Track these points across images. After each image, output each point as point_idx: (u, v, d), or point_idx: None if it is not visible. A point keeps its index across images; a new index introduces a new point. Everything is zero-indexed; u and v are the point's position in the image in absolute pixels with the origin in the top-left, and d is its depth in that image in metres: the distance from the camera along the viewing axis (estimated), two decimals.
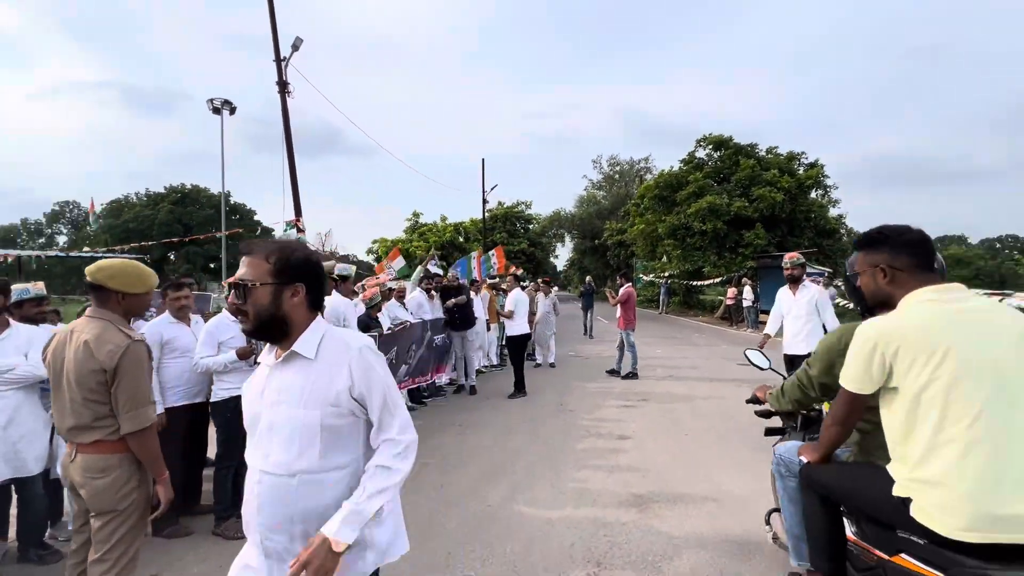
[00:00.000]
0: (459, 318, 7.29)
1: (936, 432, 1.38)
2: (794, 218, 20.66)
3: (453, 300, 7.17)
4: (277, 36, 12.76)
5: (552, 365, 9.83)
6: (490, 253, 12.53)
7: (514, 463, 4.56)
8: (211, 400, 3.39)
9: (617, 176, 46.05)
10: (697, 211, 20.11)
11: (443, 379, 7.92)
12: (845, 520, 1.83)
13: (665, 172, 24.02)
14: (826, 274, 15.53)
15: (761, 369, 2.96)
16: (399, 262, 10.27)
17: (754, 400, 2.54)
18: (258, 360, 3.58)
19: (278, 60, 12.75)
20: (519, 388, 7.31)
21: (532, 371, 9.35)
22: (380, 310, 5.49)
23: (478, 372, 9.06)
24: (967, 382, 1.36)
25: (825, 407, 2.22)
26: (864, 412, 1.67)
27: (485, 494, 3.90)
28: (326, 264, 3.69)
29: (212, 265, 41.96)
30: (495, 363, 9.73)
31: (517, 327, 7.51)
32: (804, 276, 5.07)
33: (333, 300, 4.22)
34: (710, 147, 23.65)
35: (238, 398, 3.50)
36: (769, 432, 2.74)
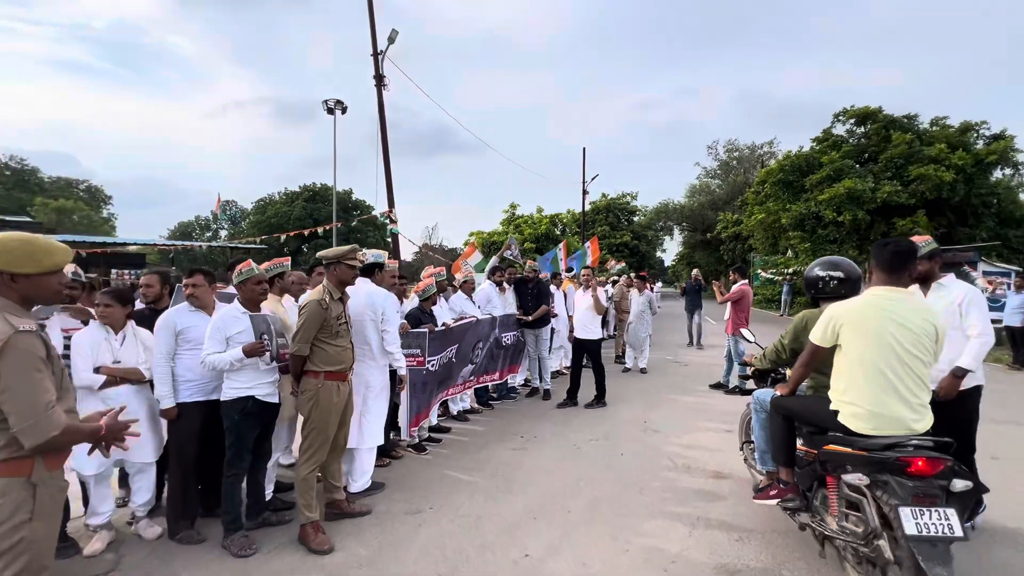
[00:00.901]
0: (533, 313, 6.57)
1: (856, 375, 2.40)
2: (968, 203, 16.71)
3: (526, 317, 6.54)
4: (375, 31, 12.99)
5: (643, 371, 8.69)
6: (585, 245, 11.60)
7: (572, 497, 3.73)
8: (221, 399, 3.04)
9: (735, 162, 41.89)
10: (832, 198, 17.10)
11: (517, 379, 7.28)
12: (797, 436, 2.88)
13: (792, 154, 20.90)
14: (1015, 274, 12.16)
15: (749, 343, 4.21)
16: (476, 257, 9.83)
17: (744, 364, 3.79)
18: (275, 358, 3.20)
19: (375, 54, 12.97)
20: (599, 398, 6.41)
21: (619, 376, 8.33)
22: (435, 303, 4.95)
23: (557, 374, 8.28)
24: (873, 349, 2.36)
25: (788, 371, 3.20)
26: (817, 365, 2.70)
27: (527, 538, 3.14)
28: (340, 249, 3.16)
29: None
30: None
31: (590, 330, 6.40)
32: (943, 271, 3.25)
33: (368, 290, 3.73)
34: (851, 122, 20.09)
35: (248, 399, 3.11)
36: (744, 392, 4.16)
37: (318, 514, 3.11)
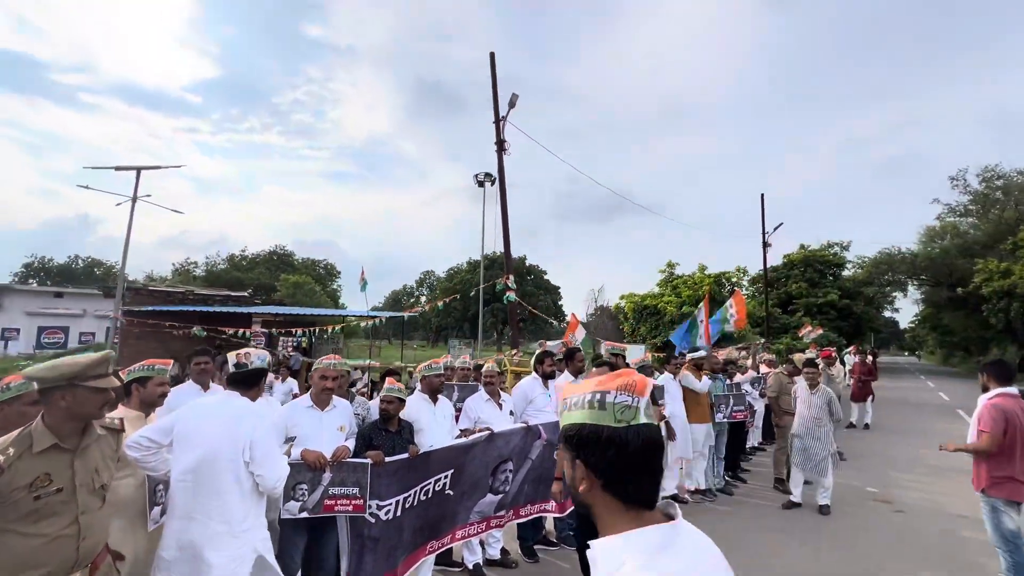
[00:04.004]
0: None
1: None
2: None
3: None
4: (497, 97, 12.87)
5: (823, 510, 5.51)
6: (727, 303, 8.80)
7: None
8: None
9: (1000, 194, 31.30)
10: None
11: None
12: None
13: None
14: None
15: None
16: (580, 332, 8.00)
17: None
18: None
19: (496, 120, 12.77)
20: None
21: (774, 516, 5.42)
22: (395, 412, 3.41)
23: (674, 500, 5.75)
24: None
25: None
26: None
27: None
28: (76, 362, 2.02)
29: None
30: (704, 487, 6.11)
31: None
32: None
33: (231, 413, 2.42)
34: None
35: None
36: None
37: None
